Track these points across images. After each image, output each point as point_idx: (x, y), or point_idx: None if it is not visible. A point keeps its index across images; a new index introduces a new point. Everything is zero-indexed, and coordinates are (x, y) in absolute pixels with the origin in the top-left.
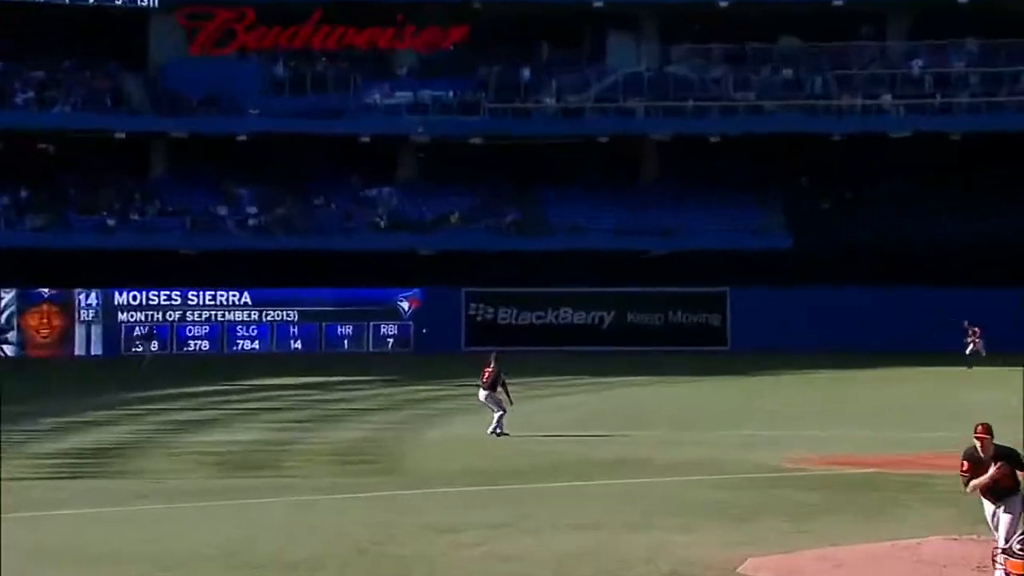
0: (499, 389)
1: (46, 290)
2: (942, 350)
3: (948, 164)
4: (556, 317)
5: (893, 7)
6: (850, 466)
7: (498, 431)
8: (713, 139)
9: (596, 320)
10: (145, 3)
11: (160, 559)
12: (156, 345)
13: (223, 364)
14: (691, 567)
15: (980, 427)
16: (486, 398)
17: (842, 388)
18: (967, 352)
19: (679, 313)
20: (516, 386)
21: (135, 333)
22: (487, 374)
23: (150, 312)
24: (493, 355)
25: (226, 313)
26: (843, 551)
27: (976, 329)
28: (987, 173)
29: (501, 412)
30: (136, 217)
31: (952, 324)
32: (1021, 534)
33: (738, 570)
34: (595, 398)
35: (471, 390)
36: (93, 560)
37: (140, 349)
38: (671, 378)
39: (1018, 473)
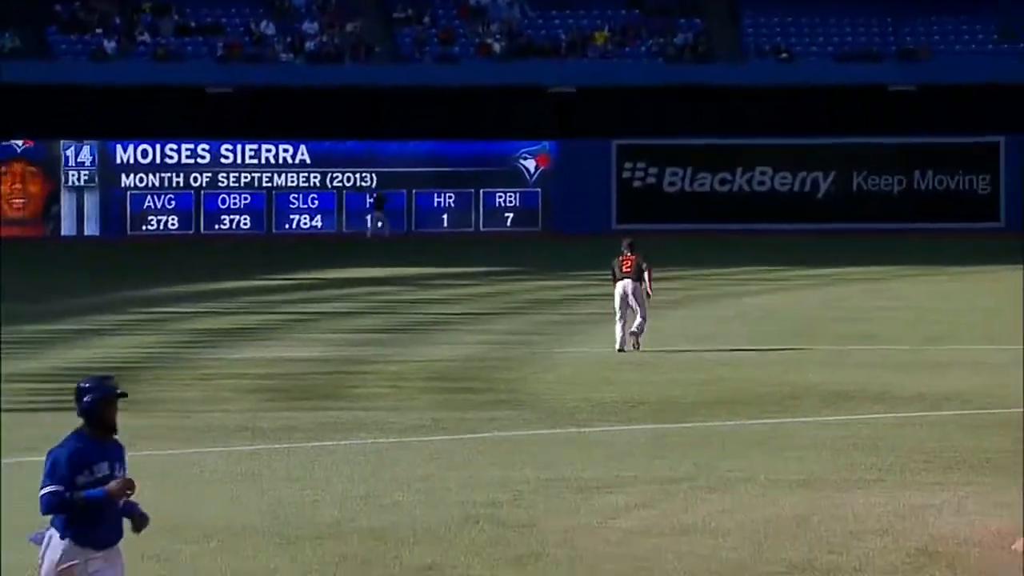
0: (644, 284)
1: (19, 142)
2: None
3: None
4: (748, 181)
5: None
6: None
7: (636, 344)
8: None
9: (808, 185)
10: None
11: (174, 524)
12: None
13: (270, 249)
14: (947, 543)
15: None
16: (626, 297)
17: None
18: None
19: (928, 174)
20: (689, 280)
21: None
22: (627, 263)
23: (165, 175)
24: (627, 243)
25: (274, 176)
26: None
27: None
28: None
29: (643, 319)
30: (144, 38)
31: None
32: None
33: (1015, 547)
34: (801, 299)
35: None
36: None
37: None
38: (917, 268)
39: None
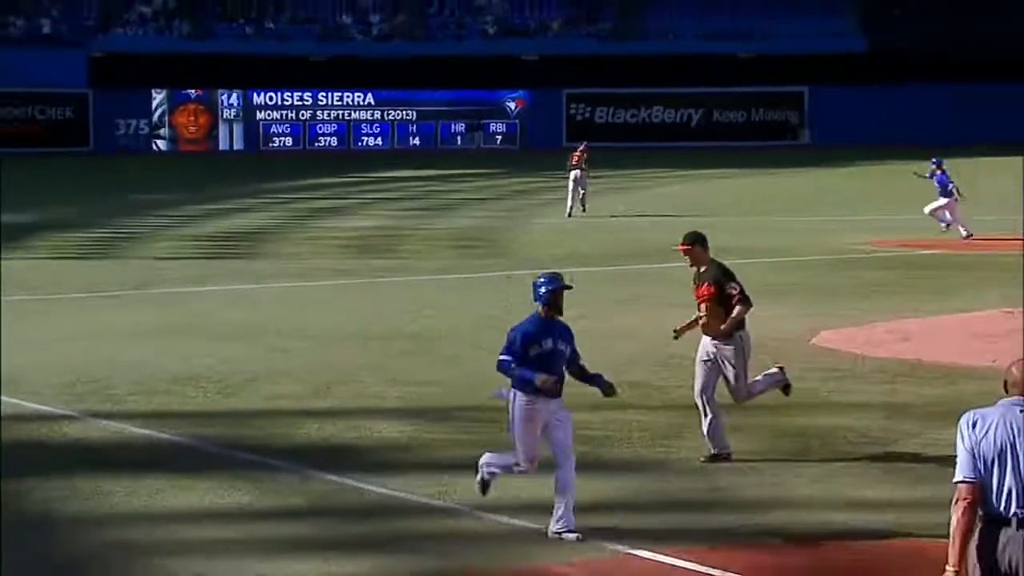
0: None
1: (193, 91)
2: (1009, 141)
3: None
4: (648, 116)
5: None
6: (918, 248)
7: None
8: None
9: (685, 118)
10: None
11: (298, 332)
12: None
13: (349, 159)
14: (770, 339)
15: None
16: (576, 181)
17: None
18: None
19: (760, 111)
20: (617, 178)
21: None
22: (575, 158)
23: (285, 111)
24: (581, 146)
25: (352, 112)
26: (910, 324)
27: None
28: None
29: (585, 191)
30: (271, 25)
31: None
32: None
33: (812, 341)
34: (685, 188)
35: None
36: (226, 336)
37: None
38: (753, 171)
39: None
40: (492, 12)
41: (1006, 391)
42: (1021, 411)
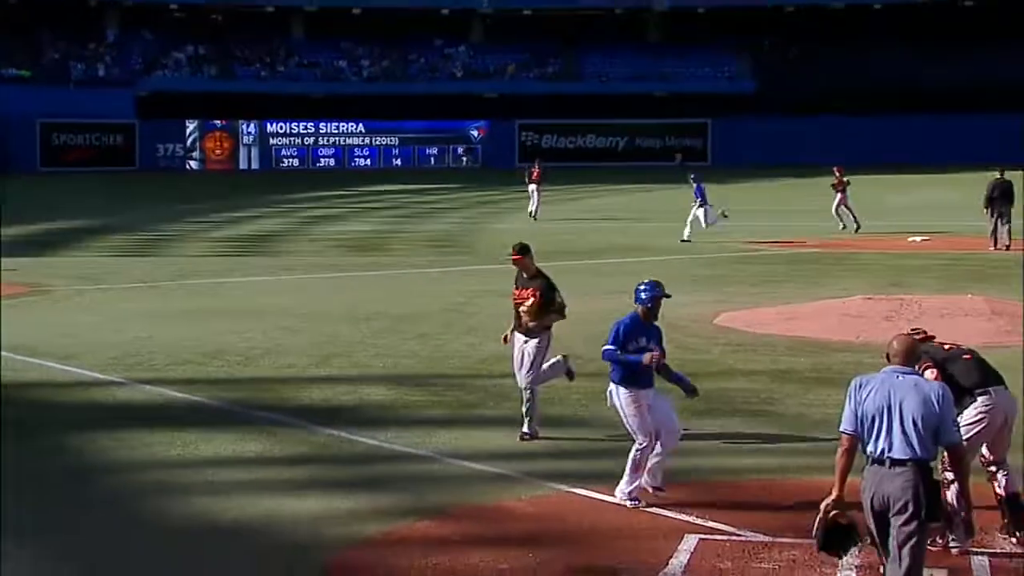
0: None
1: (219, 122)
2: (879, 162)
3: (873, 27)
4: (584, 142)
5: None
6: (799, 247)
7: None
8: (700, 11)
9: (613, 144)
10: None
11: (303, 314)
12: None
13: (344, 176)
14: (681, 319)
15: None
16: (532, 192)
17: (796, 191)
18: None
19: (673, 138)
20: (560, 191)
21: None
22: (534, 174)
23: (292, 138)
24: (535, 164)
25: (346, 139)
26: (794, 308)
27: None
28: (913, 34)
29: (539, 204)
30: (281, 68)
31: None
32: None
33: (715, 321)
34: (613, 200)
35: (524, 193)
36: (245, 317)
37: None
38: (666, 185)
39: None
40: (459, 59)
41: (888, 360)
42: (898, 377)
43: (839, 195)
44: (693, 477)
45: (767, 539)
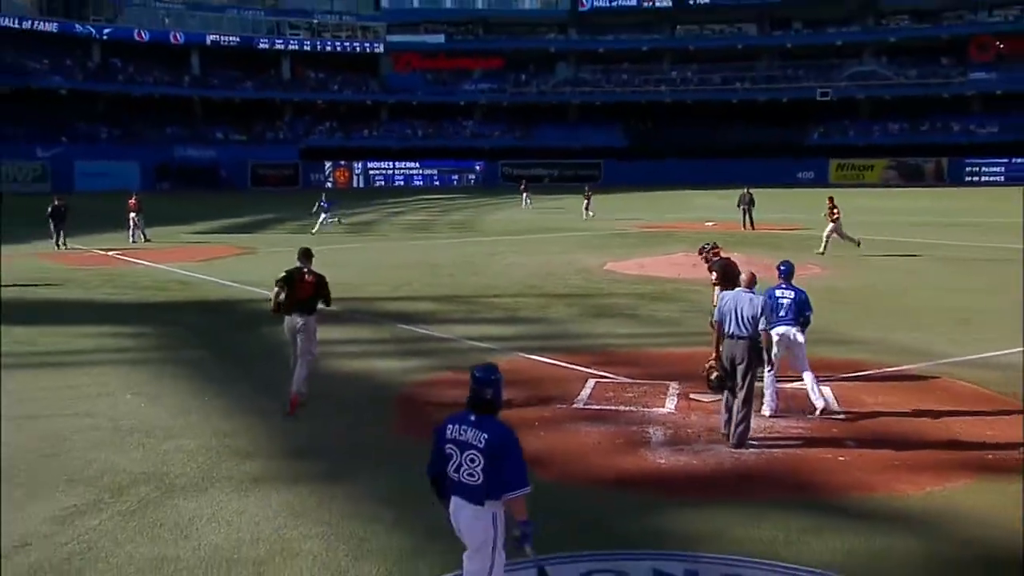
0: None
1: (342, 161)
2: (728, 182)
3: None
4: (536, 172)
5: None
6: (649, 228)
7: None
8: (598, 104)
9: (550, 174)
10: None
11: (384, 264)
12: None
13: (407, 190)
14: (587, 267)
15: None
16: (524, 195)
17: (650, 201)
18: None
19: (582, 171)
20: (515, 198)
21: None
22: (524, 184)
23: (381, 170)
24: (522, 184)
25: (409, 170)
26: (645, 260)
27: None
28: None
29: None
30: (376, 133)
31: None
32: None
33: (604, 267)
34: (553, 203)
35: (507, 200)
36: (355, 265)
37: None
38: (577, 196)
39: None
40: (469, 129)
41: (741, 284)
42: (742, 293)
43: (832, 224)
44: (593, 348)
45: (630, 381)
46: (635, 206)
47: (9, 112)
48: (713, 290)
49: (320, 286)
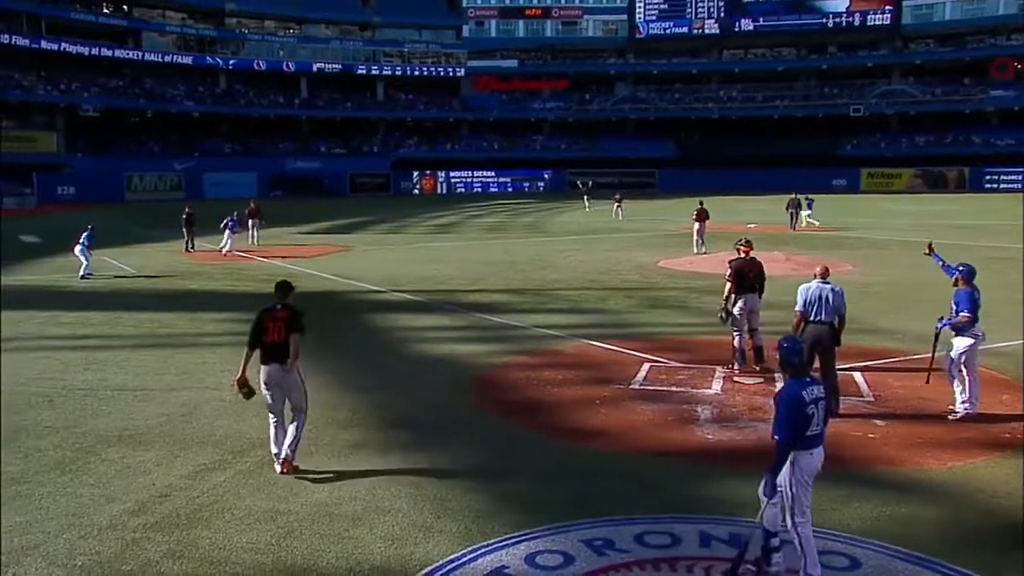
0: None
1: (428, 171)
2: (775, 190)
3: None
4: (596, 179)
5: None
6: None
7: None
8: (651, 119)
9: (617, 180)
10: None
11: (464, 259)
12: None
13: (485, 196)
14: (643, 264)
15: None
16: (588, 199)
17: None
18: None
19: (640, 177)
20: (579, 199)
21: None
22: (582, 187)
23: (462, 179)
24: (581, 182)
25: (486, 178)
26: (693, 258)
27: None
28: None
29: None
30: (457, 146)
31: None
32: None
33: (658, 264)
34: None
35: (571, 204)
36: (440, 260)
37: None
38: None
39: None
40: (538, 141)
41: (816, 277)
42: (818, 285)
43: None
44: (648, 336)
45: (681, 365)
46: (685, 209)
47: (152, 132)
48: (725, 285)
49: (292, 320)
